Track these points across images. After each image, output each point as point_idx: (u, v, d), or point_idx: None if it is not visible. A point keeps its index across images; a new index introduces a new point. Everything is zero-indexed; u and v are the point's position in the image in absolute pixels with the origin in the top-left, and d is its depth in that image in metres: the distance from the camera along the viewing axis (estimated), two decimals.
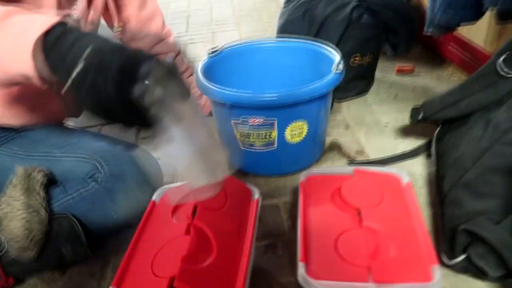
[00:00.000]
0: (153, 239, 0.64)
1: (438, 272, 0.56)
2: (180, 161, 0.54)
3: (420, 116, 0.95)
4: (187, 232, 0.63)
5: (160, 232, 0.65)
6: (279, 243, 0.81)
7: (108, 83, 0.47)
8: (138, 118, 0.49)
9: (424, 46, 1.57)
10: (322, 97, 0.90)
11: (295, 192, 0.94)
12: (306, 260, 0.60)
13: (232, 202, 0.69)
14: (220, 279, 0.57)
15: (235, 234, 0.65)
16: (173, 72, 0.49)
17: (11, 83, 0.60)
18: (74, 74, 0.47)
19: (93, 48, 0.48)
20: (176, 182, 0.76)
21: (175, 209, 0.70)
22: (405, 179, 0.73)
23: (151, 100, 0.47)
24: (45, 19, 0.52)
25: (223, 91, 0.88)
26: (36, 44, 0.50)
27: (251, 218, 0.68)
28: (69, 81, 0.48)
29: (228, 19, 2.14)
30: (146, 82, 0.47)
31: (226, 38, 1.85)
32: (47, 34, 0.51)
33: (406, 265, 0.58)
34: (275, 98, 0.85)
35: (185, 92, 0.50)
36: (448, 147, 0.87)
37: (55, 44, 0.50)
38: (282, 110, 0.88)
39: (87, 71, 0.47)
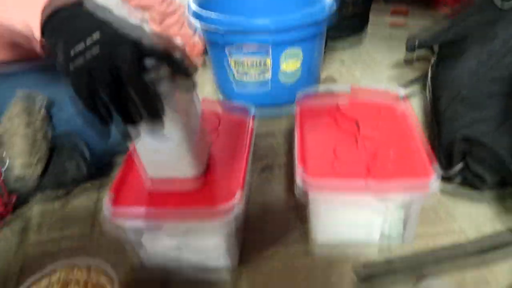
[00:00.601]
0: None
1: (436, 170, 0.56)
2: (169, 146, 0.52)
3: (416, 44, 0.94)
4: None
5: None
6: (276, 165, 0.81)
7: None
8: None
9: None
10: (317, 23, 0.89)
11: (290, 121, 0.94)
12: (304, 163, 0.59)
13: (225, 122, 0.69)
14: (218, 189, 0.57)
15: (231, 150, 0.64)
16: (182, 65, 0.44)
17: (7, 40, 0.57)
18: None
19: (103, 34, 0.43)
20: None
21: None
22: (402, 95, 0.72)
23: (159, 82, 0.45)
24: None
25: (217, 17, 0.86)
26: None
27: (247, 133, 0.67)
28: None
29: None
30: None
31: None
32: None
33: (404, 165, 0.58)
34: (268, 22, 0.84)
35: (191, 85, 0.46)
36: (444, 70, 0.86)
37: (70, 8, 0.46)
38: (277, 35, 0.87)
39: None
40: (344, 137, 0.65)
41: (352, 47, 1.24)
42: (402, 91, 0.73)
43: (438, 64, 0.92)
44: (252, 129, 0.68)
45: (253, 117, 0.71)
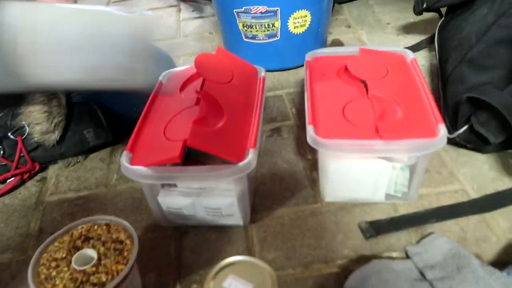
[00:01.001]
0: (163, 111, 0.65)
1: (443, 129, 0.57)
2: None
3: (424, 5, 0.93)
4: (197, 102, 0.64)
5: (170, 105, 0.66)
6: (284, 128, 0.83)
7: None
8: None
9: None
10: None
11: (298, 84, 0.95)
12: (314, 123, 0.61)
13: (238, 77, 0.69)
14: (231, 141, 0.58)
15: (244, 105, 0.65)
16: None
17: None
18: None
19: None
20: None
21: (183, 86, 0.70)
22: (410, 56, 0.73)
23: None
24: None
25: None
26: None
27: (258, 93, 0.68)
28: None
29: None
30: None
31: None
32: None
33: (412, 125, 0.59)
34: None
35: None
36: (452, 32, 0.86)
37: None
38: None
39: None
40: (353, 97, 0.66)
41: (358, 9, 1.23)
42: (410, 53, 0.74)
43: (445, 26, 0.92)
44: (263, 90, 0.69)
45: (263, 78, 0.72)
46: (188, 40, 1.20)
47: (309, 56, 0.76)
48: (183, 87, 0.70)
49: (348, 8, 1.24)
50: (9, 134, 0.74)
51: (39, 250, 0.52)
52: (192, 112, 0.62)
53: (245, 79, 0.70)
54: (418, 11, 0.95)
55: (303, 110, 0.67)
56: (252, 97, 0.67)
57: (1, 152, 0.74)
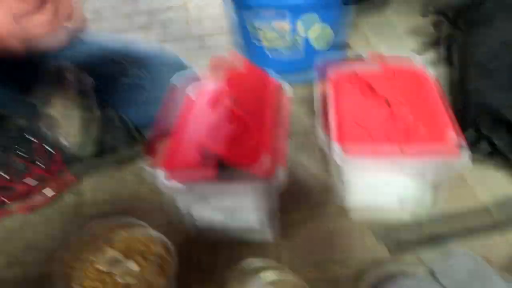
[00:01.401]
0: (195, 126, 0.67)
1: (466, 149, 0.59)
2: None
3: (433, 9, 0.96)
4: (228, 119, 0.66)
5: (202, 120, 0.68)
6: (307, 142, 0.85)
7: None
8: None
9: None
10: None
11: (308, 87, 0.94)
12: (339, 139, 0.63)
13: (265, 93, 0.72)
14: (261, 158, 0.60)
15: (272, 122, 0.67)
16: None
17: None
18: None
19: None
20: None
21: (213, 101, 0.72)
22: (430, 71, 0.75)
23: None
24: None
25: None
26: None
27: (284, 108, 0.71)
28: None
29: None
30: None
31: None
32: None
33: (436, 143, 0.61)
34: None
35: None
36: (472, 47, 0.88)
37: None
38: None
39: None
40: (376, 114, 0.68)
41: (377, 23, 1.25)
42: (430, 68, 0.75)
43: (466, 41, 0.93)
44: (288, 106, 0.72)
45: (287, 93, 0.74)
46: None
47: (330, 71, 0.78)
48: (213, 101, 0.73)
49: (366, 20, 1.26)
50: (45, 145, 0.77)
51: (79, 261, 0.55)
52: (223, 129, 0.64)
53: (271, 96, 0.73)
54: (425, 14, 0.97)
55: (326, 125, 0.69)
56: (278, 113, 0.70)
57: (39, 163, 0.77)
